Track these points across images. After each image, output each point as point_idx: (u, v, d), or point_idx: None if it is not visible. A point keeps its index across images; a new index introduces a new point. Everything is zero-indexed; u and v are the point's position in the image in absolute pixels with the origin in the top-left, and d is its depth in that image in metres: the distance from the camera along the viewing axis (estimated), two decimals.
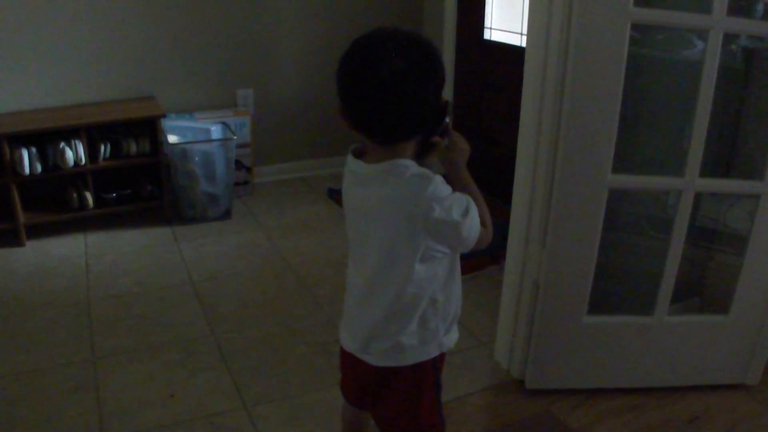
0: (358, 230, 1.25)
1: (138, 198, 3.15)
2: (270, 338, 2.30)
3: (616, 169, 1.75)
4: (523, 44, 2.73)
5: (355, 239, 1.27)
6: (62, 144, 2.84)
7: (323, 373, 2.09)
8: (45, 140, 2.86)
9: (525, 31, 2.93)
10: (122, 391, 2.02)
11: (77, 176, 3.00)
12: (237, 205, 3.37)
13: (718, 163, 2.08)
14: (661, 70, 2.06)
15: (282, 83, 3.61)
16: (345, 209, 1.28)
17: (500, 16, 3.37)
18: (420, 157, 1.18)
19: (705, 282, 2.26)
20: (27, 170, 2.80)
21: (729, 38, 1.84)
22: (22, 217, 2.91)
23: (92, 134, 2.97)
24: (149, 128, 3.05)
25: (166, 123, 3.13)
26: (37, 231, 3.02)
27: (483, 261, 2.73)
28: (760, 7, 1.86)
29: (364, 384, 1.36)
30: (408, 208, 1.12)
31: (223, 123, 3.29)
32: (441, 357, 1.32)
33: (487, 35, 3.44)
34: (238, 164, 3.40)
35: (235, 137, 3.21)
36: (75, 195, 2.99)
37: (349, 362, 1.34)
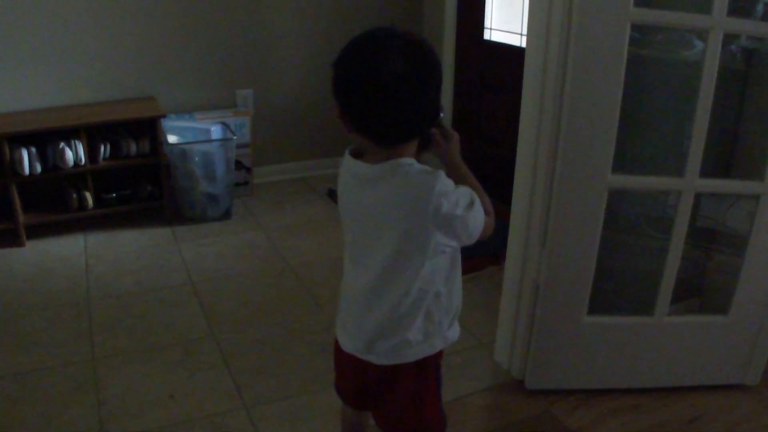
0: (362, 232, 1.24)
1: (138, 198, 3.15)
2: (270, 338, 2.30)
3: (616, 170, 1.76)
4: (523, 44, 2.73)
5: (357, 241, 1.26)
6: (62, 144, 2.84)
7: (323, 374, 2.09)
8: (45, 140, 2.86)
9: (525, 31, 2.93)
10: (122, 391, 2.02)
11: (77, 176, 3.00)
12: (237, 206, 3.37)
13: (717, 164, 2.08)
14: (661, 70, 2.06)
15: (282, 83, 3.61)
16: (343, 212, 1.27)
17: (500, 17, 3.37)
18: (418, 153, 1.18)
19: (705, 282, 2.26)
20: (27, 170, 2.80)
21: (729, 38, 1.84)
22: (22, 217, 2.91)
23: (92, 134, 2.97)
24: (149, 128, 3.05)
25: (166, 123, 3.13)
26: (37, 231, 3.02)
27: (483, 261, 2.73)
28: (760, 7, 1.86)
29: (366, 385, 1.35)
30: (418, 206, 1.12)
31: (223, 123, 3.29)
32: (440, 351, 1.32)
33: (487, 35, 3.44)
34: (238, 164, 3.40)
35: (234, 137, 3.22)
36: (75, 195, 2.99)
37: (349, 364, 1.34)
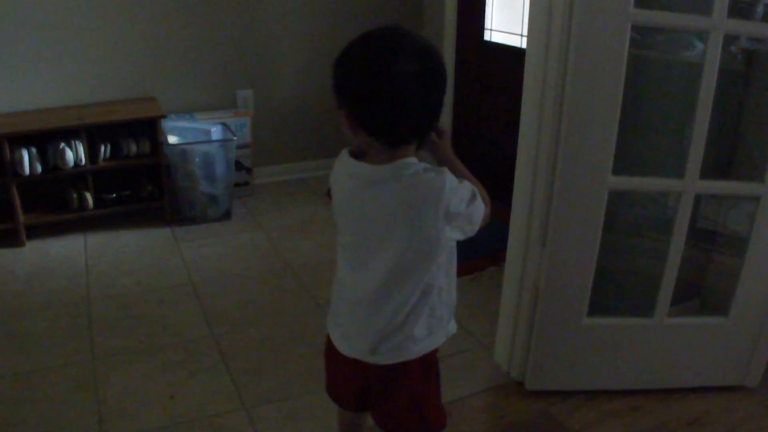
0: (365, 234, 1.22)
1: (138, 199, 3.15)
2: (270, 339, 2.30)
3: (616, 171, 1.76)
4: (524, 46, 2.73)
5: (359, 244, 1.24)
6: (62, 144, 2.84)
7: (323, 374, 2.08)
8: (45, 140, 2.86)
9: (525, 32, 2.93)
10: (122, 391, 2.02)
11: (77, 177, 3.00)
12: (237, 206, 3.37)
13: (718, 165, 2.08)
14: (661, 71, 2.06)
15: (282, 84, 3.61)
16: (341, 215, 1.26)
17: (500, 18, 3.37)
18: (416, 151, 1.19)
19: (705, 284, 2.26)
20: (27, 170, 2.80)
21: (729, 40, 1.84)
22: (22, 218, 2.91)
23: (92, 135, 2.97)
24: (149, 129, 3.05)
25: (167, 124, 3.13)
26: (37, 231, 3.02)
27: (483, 262, 2.73)
28: (760, 8, 1.86)
29: (368, 386, 1.34)
30: (431, 204, 1.12)
31: (223, 124, 3.29)
32: (437, 347, 1.33)
33: (487, 36, 3.44)
34: (238, 165, 3.40)
35: (235, 138, 3.22)
36: (75, 195, 2.99)
37: (348, 368, 1.33)
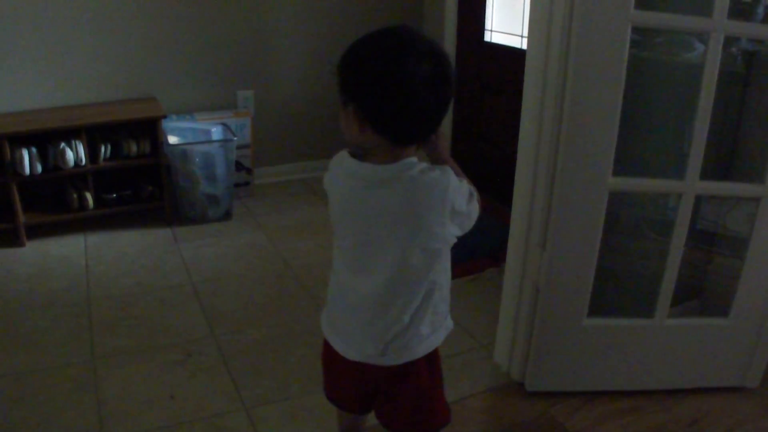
0: (368, 235, 1.21)
1: (138, 199, 3.15)
2: (270, 339, 2.30)
3: (616, 172, 1.76)
4: (524, 47, 2.73)
5: (361, 245, 1.24)
6: (62, 144, 2.84)
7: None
8: (45, 140, 2.87)
9: (526, 33, 2.93)
10: (122, 391, 2.02)
11: (77, 177, 3.00)
12: (237, 207, 3.37)
13: (718, 166, 2.08)
14: (661, 73, 2.06)
15: (282, 84, 3.61)
16: (341, 216, 1.25)
17: (501, 19, 3.37)
18: (416, 151, 1.19)
19: (705, 285, 2.26)
20: (27, 170, 2.80)
21: (729, 41, 1.85)
22: (22, 218, 2.91)
23: (93, 135, 2.97)
24: (150, 129, 3.05)
25: (167, 124, 3.13)
26: (37, 231, 3.02)
27: (483, 263, 2.73)
28: (760, 10, 1.86)
29: (373, 388, 1.33)
30: (437, 202, 1.13)
31: (224, 124, 3.29)
32: None
33: (487, 37, 3.44)
34: (239, 165, 3.40)
35: (235, 138, 3.22)
36: (75, 195, 2.99)
37: (352, 372, 1.31)
